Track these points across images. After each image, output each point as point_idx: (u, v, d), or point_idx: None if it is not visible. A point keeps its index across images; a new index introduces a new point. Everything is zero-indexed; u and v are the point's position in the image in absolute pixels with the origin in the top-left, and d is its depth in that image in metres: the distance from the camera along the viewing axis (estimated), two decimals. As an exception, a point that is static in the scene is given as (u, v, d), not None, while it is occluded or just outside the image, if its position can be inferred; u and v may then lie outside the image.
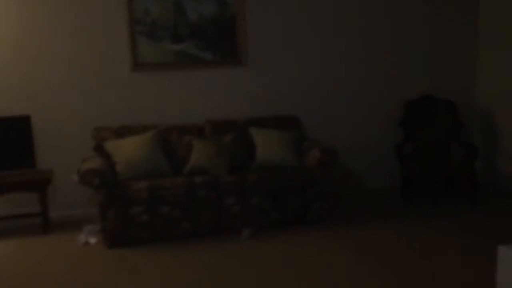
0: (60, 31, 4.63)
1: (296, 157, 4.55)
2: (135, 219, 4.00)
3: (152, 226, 4.04)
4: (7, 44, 4.53)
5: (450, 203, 4.90)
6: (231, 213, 4.19)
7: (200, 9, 4.86)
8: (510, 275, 2.30)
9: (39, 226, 4.48)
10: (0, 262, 3.79)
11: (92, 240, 4.14)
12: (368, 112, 5.42)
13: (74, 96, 4.73)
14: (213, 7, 4.89)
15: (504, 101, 5.27)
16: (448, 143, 5.15)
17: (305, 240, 4.04)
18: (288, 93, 5.20)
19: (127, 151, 4.31)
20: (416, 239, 4.01)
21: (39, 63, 4.62)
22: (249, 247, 3.94)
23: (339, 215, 4.63)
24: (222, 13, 4.92)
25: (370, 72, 5.37)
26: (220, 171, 4.31)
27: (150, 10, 4.75)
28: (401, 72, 5.44)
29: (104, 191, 3.94)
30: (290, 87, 5.21)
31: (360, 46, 5.32)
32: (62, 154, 4.72)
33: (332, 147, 4.42)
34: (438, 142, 5.16)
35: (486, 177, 5.44)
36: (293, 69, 5.19)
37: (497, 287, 2.39)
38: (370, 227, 4.31)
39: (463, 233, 4.11)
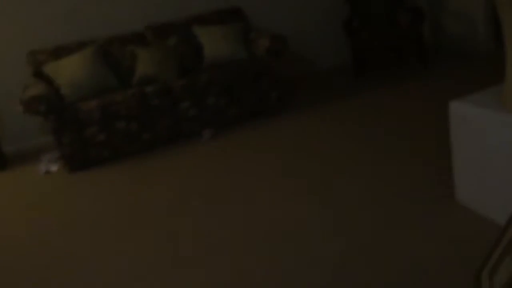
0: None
1: (245, 49, 4.42)
2: (92, 139, 3.91)
3: (111, 143, 3.97)
4: None
5: (403, 70, 4.95)
6: (189, 117, 4.13)
7: None
8: (461, 129, 2.37)
9: (-5, 163, 4.35)
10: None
11: (53, 168, 4.06)
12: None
13: (6, 18, 4.35)
14: None
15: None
16: (395, 11, 5.08)
17: (265, 131, 4.06)
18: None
19: (69, 72, 4.09)
20: (372, 109, 4.08)
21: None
22: (211, 147, 3.95)
23: (296, 101, 4.63)
24: None
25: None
26: (170, 77, 4.17)
27: None
28: None
29: (53, 117, 3.79)
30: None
31: None
32: (3, 85, 4.45)
33: (280, 34, 4.29)
34: (384, 13, 5.07)
35: (434, 39, 5.46)
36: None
37: (451, 142, 2.47)
38: (329, 106, 4.34)
39: (418, 95, 4.19)
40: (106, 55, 4.33)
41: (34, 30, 4.46)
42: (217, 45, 4.39)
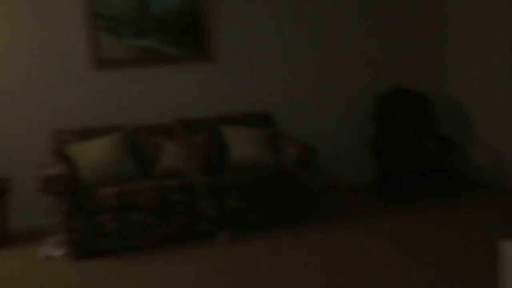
0: (12, 30, 4.27)
1: (271, 155, 4.35)
2: (103, 227, 3.71)
3: (122, 234, 3.76)
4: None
5: (429, 196, 4.82)
6: (207, 216, 3.95)
7: (165, 1, 4.59)
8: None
9: (-4, 239, 4.11)
10: (-47, 282, 3.43)
11: (57, 253, 3.82)
12: (340, 107, 5.30)
13: (32, 96, 4.37)
14: (179, 1, 4.63)
15: (475, 93, 5.25)
16: (422, 137, 5.08)
17: (284, 241, 3.86)
18: (259, 89, 5.01)
19: (91, 155, 4.00)
20: (396, 233, 3.89)
21: (-10, 61, 4.26)
22: (226, 252, 3.72)
23: (318, 213, 4.47)
24: (189, 5, 4.66)
25: (341, 67, 5.25)
26: (193, 173, 4.07)
27: (111, 3, 4.44)
28: (371, 66, 5.34)
29: (68, 198, 3.63)
30: (261, 83, 5.01)
31: (331, 41, 5.18)
32: (19, 160, 4.35)
33: (310, 144, 4.25)
34: (412, 137, 5.08)
35: (462, 170, 5.40)
36: (264, 64, 5.00)
37: (501, 281, 2.27)
38: (351, 223, 4.18)
39: (442, 225, 4.03)
40: (132, 143, 4.27)
41: (62, 109, 4.45)
42: (244, 147, 4.33)
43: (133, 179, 4.05)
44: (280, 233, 4.03)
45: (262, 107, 4.94)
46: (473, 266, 3.27)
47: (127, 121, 4.51)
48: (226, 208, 3.99)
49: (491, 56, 5.02)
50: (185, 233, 3.93)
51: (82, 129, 4.28)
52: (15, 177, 4.31)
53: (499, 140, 5.00)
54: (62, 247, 3.90)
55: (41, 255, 3.82)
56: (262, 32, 4.95)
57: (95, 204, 3.69)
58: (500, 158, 4.99)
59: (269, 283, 3.16)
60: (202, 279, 3.28)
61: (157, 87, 4.71)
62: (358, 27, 5.24)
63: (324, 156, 5.13)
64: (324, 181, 5.28)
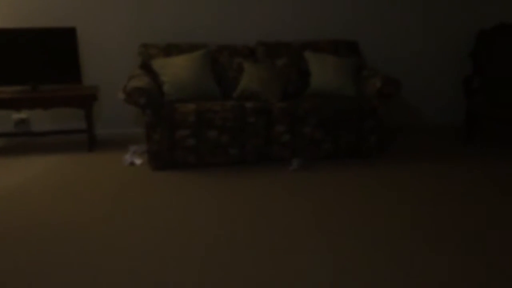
0: None
1: (354, 86, 4.21)
2: (181, 142, 3.85)
3: (198, 150, 3.89)
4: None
5: (517, 146, 4.53)
6: (281, 142, 3.97)
7: None
8: None
9: (84, 143, 4.41)
10: (45, 176, 3.76)
11: (138, 161, 4.04)
12: (434, 41, 4.95)
13: (122, 9, 4.48)
14: None
15: None
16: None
17: (356, 174, 3.81)
18: (348, 16, 4.77)
19: (175, 70, 4.08)
20: (472, 182, 3.70)
21: (85, -28, 4.36)
22: (297, 177, 3.75)
23: (394, 151, 4.34)
24: None
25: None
26: (272, 97, 4.05)
27: None
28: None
29: (150, 111, 3.77)
30: (352, 9, 4.76)
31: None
32: (108, 70, 4.55)
33: (394, 77, 4.05)
34: (510, 78, 4.68)
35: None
36: (356, -10, 4.74)
37: None
38: (425, 165, 4.02)
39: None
40: (214, 62, 4.29)
41: (150, 25, 4.52)
42: (326, 75, 4.22)
43: (213, 97, 4.11)
44: (352, 164, 3.98)
45: (349, 36, 4.73)
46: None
47: (211, 40, 4.52)
48: (301, 135, 3.97)
49: None
50: (259, 156, 3.98)
51: (168, 45, 4.35)
52: (104, 86, 4.53)
53: None
54: (143, 156, 4.12)
55: (124, 161, 4.06)
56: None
57: (175, 119, 3.81)
58: None
59: (333, 210, 3.16)
60: (270, 200, 3.35)
61: (243, 6, 4.62)
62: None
63: (411, 92, 4.91)
64: (407, 118, 5.08)
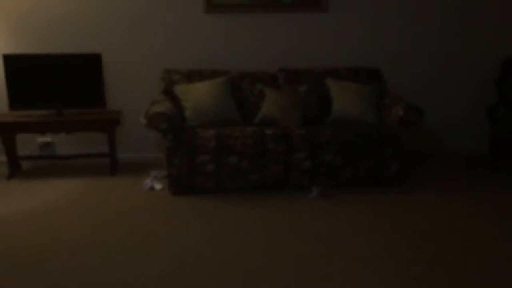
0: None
1: (375, 114, 4.18)
2: (201, 167, 3.85)
3: (218, 175, 3.88)
4: (81, -21, 4.43)
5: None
6: (301, 169, 3.94)
7: None
8: None
9: (106, 166, 4.46)
10: (67, 199, 3.80)
11: (158, 186, 4.06)
12: (458, 68, 4.89)
13: (146, 36, 4.58)
14: None
15: None
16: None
17: (377, 203, 3.74)
18: (370, 43, 4.77)
19: (196, 96, 4.13)
20: (498, 212, 3.60)
21: (113, 3, 4.47)
22: (318, 205, 3.71)
23: (417, 178, 4.27)
24: (304, -49, 4.51)
25: (464, 23, 4.80)
26: (292, 123, 4.04)
27: None
28: (501, 25, 4.82)
29: (171, 136, 3.80)
30: (373, 36, 4.77)
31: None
32: (132, 95, 4.63)
33: (417, 105, 4.01)
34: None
35: None
36: (378, 17, 4.73)
37: None
38: (449, 193, 3.94)
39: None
40: (235, 88, 4.33)
41: (173, 51, 4.60)
42: (347, 102, 4.20)
43: (234, 123, 4.13)
44: (373, 193, 3.92)
45: (371, 63, 4.72)
46: None
47: (233, 66, 4.57)
48: (322, 162, 3.94)
49: None
50: (278, 182, 3.96)
51: (191, 71, 4.41)
52: (126, 111, 4.59)
53: None
54: (163, 180, 4.14)
55: (144, 186, 4.08)
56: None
57: (196, 144, 3.83)
58: None
59: (353, 240, 3.11)
60: (289, 228, 3.31)
61: (265, 34, 4.67)
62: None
63: (433, 119, 4.85)
64: (429, 145, 5.01)
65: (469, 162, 4.73)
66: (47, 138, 4.65)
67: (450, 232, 3.26)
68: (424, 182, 4.19)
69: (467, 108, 4.96)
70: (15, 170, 4.41)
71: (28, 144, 4.61)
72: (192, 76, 4.36)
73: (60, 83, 4.34)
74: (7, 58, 4.22)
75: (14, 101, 4.29)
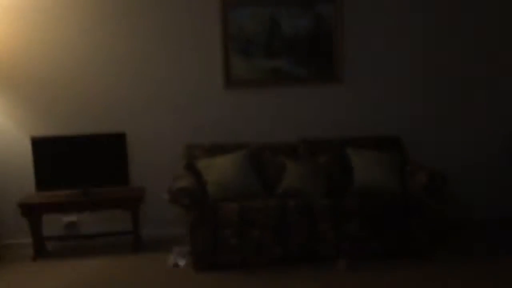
0: (156, 52, 4.65)
1: (398, 182, 4.14)
2: (225, 241, 3.82)
3: (241, 250, 3.84)
4: (108, 68, 4.63)
5: None
6: (326, 240, 3.87)
7: (296, 24, 4.66)
8: None
9: (130, 244, 4.45)
10: (91, 279, 3.78)
11: (181, 262, 4.02)
12: (481, 133, 4.87)
13: (168, 113, 4.71)
14: (309, 22, 4.68)
15: None
16: None
17: (406, 277, 3.61)
18: (388, 112, 4.82)
19: (218, 171, 4.17)
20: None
21: (135, 82, 4.66)
22: (345, 279, 3.60)
23: (448, 249, 4.13)
24: (318, 28, 4.68)
25: (484, 89, 4.85)
26: (315, 194, 4.02)
27: (245, 26, 4.62)
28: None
29: (194, 211, 3.81)
30: (390, 105, 4.82)
31: (470, 59, 4.82)
32: (154, 171, 4.69)
33: (440, 171, 3.97)
34: None
35: None
36: (394, 87, 4.82)
37: None
38: (484, 264, 3.79)
39: None
40: (256, 161, 4.36)
41: (194, 126, 4.70)
42: (369, 172, 4.19)
43: (256, 196, 4.12)
44: (402, 265, 3.79)
45: (390, 131, 4.73)
46: None
47: (254, 139, 4.63)
48: (347, 234, 3.87)
49: None
50: (303, 255, 3.89)
51: (211, 145, 4.48)
52: (149, 187, 4.64)
53: None
54: (187, 257, 4.09)
55: (168, 263, 4.04)
56: (392, 54, 4.79)
57: (219, 219, 3.82)
58: None
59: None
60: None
61: (283, 107, 4.77)
62: (507, 49, 4.82)
63: (461, 186, 4.75)
64: (459, 213, 4.87)
65: (501, 230, 4.57)
66: (72, 218, 4.69)
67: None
68: (455, 253, 4.04)
69: (494, 171, 4.88)
70: (40, 251, 4.42)
71: (53, 223, 4.65)
72: (213, 150, 4.43)
73: (85, 162, 4.44)
74: (35, 140, 4.37)
75: (41, 182, 4.38)
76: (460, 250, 4.11)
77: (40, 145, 4.38)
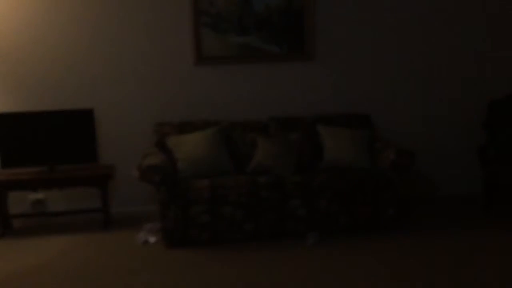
0: (126, 27, 4.55)
1: (368, 158, 4.21)
2: (196, 218, 3.82)
3: (213, 226, 3.85)
4: (76, 43, 4.52)
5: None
6: (296, 216, 3.92)
7: (267, 0, 4.62)
8: None
9: (99, 221, 4.40)
10: (60, 257, 3.73)
11: (152, 239, 4.01)
12: (446, 111, 4.98)
13: (137, 90, 4.64)
14: (280, -2, 4.65)
15: None
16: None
17: (375, 249, 3.71)
18: (358, 89, 4.86)
19: (189, 148, 4.14)
20: (496, 251, 3.58)
21: (103, 58, 4.56)
22: (314, 253, 3.66)
23: (412, 223, 4.24)
24: (290, 3, 4.65)
25: (451, 67, 4.93)
26: (285, 171, 4.05)
27: (216, 1, 4.56)
28: (485, 68, 4.95)
29: (165, 188, 3.79)
30: (361, 83, 4.86)
31: (439, 37, 4.88)
32: (124, 148, 4.63)
33: (408, 148, 4.05)
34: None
35: None
36: (365, 64, 4.85)
37: None
38: (446, 236, 3.91)
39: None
40: (227, 138, 4.35)
41: (164, 103, 4.65)
42: (339, 148, 4.23)
43: (227, 173, 4.12)
44: (370, 239, 3.88)
45: (360, 109, 4.78)
46: None
47: (224, 116, 4.61)
48: (317, 209, 3.92)
49: None
50: (274, 231, 3.93)
51: (182, 122, 4.45)
52: (119, 164, 4.58)
53: None
54: (157, 234, 4.08)
55: (138, 240, 4.02)
56: (364, 30, 4.81)
57: (190, 196, 3.81)
58: None
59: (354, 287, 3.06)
60: (286, 278, 3.25)
61: (254, 84, 4.76)
62: (473, 24, 4.89)
63: (424, 163, 4.87)
64: (422, 190, 5.01)
65: (463, 205, 4.72)
66: (39, 195, 4.60)
67: (450, 278, 3.22)
68: (420, 227, 4.15)
69: (458, 150, 5.01)
70: (6, 228, 4.33)
71: (20, 201, 4.55)
72: (183, 127, 4.39)
73: (52, 139, 4.35)
74: (0, 117, 4.24)
75: (6, 159, 4.28)
76: (424, 224, 4.21)
77: (5, 121, 4.27)
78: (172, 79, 4.66)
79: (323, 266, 3.42)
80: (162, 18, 4.57)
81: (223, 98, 4.73)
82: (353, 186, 3.93)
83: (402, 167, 3.95)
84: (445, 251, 3.63)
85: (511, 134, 4.63)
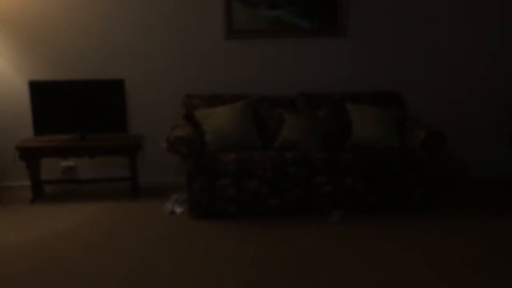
0: (157, 1, 4.55)
1: (397, 138, 4.15)
2: (222, 191, 3.86)
3: (238, 200, 3.88)
4: (107, 14, 4.54)
5: None
6: (322, 193, 3.92)
7: (301, -27, 4.55)
8: None
9: (128, 190, 4.50)
10: (90, 223, 3.84)
11: (178, 210, 4.07)
12: (481, 94, 4.85)
13: (167, 62, 4.66)
14: (314, -28, 4.56)
15: None
16: None
17: (401, 230, 3.67)
18: (390, 67, 4.77)
19: (217, 121, 4.16)
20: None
21: (135, 30, 4.58)
22: (338, 231, 3.66)
23: (441, 205, 4.18)
24: (323, -22, 4.57)
25: (489, 51, 4.78)
26: (312, 147, 4.04)
27: (248, -27, 4.51)
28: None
29: (192, 160, 3.83)
30: (394, 61, 4.77)
31: (480, 18, 4.72)
32: (153, 120, 4.69)
33: (439, 129, 3.97)
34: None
35: None
36: (398, 42, 4.74)
37: None
38: (475, 220, 3.85)
39: None
40: (255, 113, 4.34)
41: (194, 76, 4.67)
42: (367, 127, 4.18)
43: (253, 147, 4.14)
44: (394, 220, 3.85)
45: (392, 87, 4.70)
46: None
47: (253, 91, 4.60)
48: (342, 187, 3.91)
49: None
50: (299, 206, 3.94)
51: (211, 96, 4.46)
52: (148, 135, 4.65)
53: None
54: (183, 204, 4.15)
55: (165, 210, 4.09)
56: (397, 6, 4.68)
57: (216, 169, 3.84)
58: None
59: (375, 268, 3.05)
60: (307, 254, 3.27)
61: (284, 59, 4.71)
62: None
63: (457, 145, 4.78)
64: (452, 171, 4.93)
65: (493, 188, 4.63)
66: (70, 163, 4.72)
67: (479, 262, 3.18)
68: (449, 209, 4.10)
69: (490, 132, 4.89)
70: (39, 194, 4.47)
71: (52, 168, 4.68)
72: (212, 100, 4.41)
73: (84, 108, 4.43)
74: (33, 85, 4.34)
75: (39, 126, 4.38)
76: (453, 206, 4.15)
77: (38, 90, 4.35)
78: (202, 52, 4.66)
79: (344, 244, 3.42)
80: (193, -9, 4.56)
81: (252, 72, 4.71)
82: (379, 165, 3.89)
83: (433, 147, 3.88)
84: (475, 235, 3.57)
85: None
